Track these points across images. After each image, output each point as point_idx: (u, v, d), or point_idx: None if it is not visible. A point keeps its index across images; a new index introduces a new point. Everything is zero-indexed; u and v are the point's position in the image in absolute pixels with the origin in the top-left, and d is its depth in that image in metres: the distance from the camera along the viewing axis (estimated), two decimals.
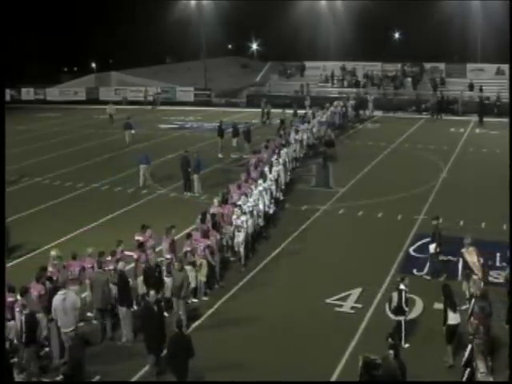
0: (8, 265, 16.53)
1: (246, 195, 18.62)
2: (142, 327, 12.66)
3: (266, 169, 22.18)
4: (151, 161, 26.65)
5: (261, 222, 19.33)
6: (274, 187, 21.40)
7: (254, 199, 18.81)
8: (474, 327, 11.39)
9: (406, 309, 12.95)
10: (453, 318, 12.06)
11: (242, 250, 17.23)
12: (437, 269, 16.28)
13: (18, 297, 12.36)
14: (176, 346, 11.20)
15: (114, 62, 71.25)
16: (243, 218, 17.35)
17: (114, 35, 67.04)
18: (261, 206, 19.28)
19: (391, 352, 10.16)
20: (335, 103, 38.65)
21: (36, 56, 65.21)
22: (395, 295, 12.94)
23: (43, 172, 27.73)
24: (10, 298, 12.45)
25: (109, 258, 14.32)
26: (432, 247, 16.32)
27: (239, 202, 18.23)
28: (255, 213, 18.50)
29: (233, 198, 19.18)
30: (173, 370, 11.26)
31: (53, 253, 14.30)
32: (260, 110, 41.60)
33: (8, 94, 55.64)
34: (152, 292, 13.50)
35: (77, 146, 32.32)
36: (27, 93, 57.75)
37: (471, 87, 45.63)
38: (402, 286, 12.98)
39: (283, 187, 23.59)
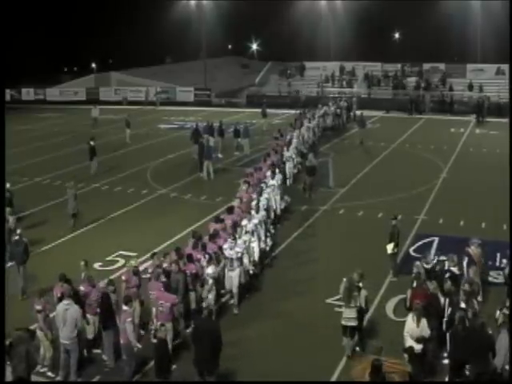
0: (8, 265, 16.52)
1: (235, 238, 14.79)
2: (195, 346, 11.45)
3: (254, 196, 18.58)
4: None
5: (254, 269, 15.71)
6: (265, 218, 17.94)
7: (245, 240, 15.18)
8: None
9: None
10: None
11: (213, 309, 13.90)
12: (396, 269, 16.33)
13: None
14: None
15: (114, 62, 71.21)
16: (210, 270, 13.71)
17: (114, 35, 66.97)
18: (256, 248, 15.77)
19: None
20: (330, 103, 38.66)
21: (36, 56, 65.11)
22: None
23: (43, 172, 27.70)
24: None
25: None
26: (390, 247, 16.24)
27: (224, 246, 14.71)
28: (245, 260, 15.10)
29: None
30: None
31: (132, 262, 14.05)
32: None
33: (8, 94, 55.50)
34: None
35: (77, 146, 32.25)
36: (27, 93, 57.70)
37: (471, 87, 45.66)
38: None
39: (276, 214, 20.29)
